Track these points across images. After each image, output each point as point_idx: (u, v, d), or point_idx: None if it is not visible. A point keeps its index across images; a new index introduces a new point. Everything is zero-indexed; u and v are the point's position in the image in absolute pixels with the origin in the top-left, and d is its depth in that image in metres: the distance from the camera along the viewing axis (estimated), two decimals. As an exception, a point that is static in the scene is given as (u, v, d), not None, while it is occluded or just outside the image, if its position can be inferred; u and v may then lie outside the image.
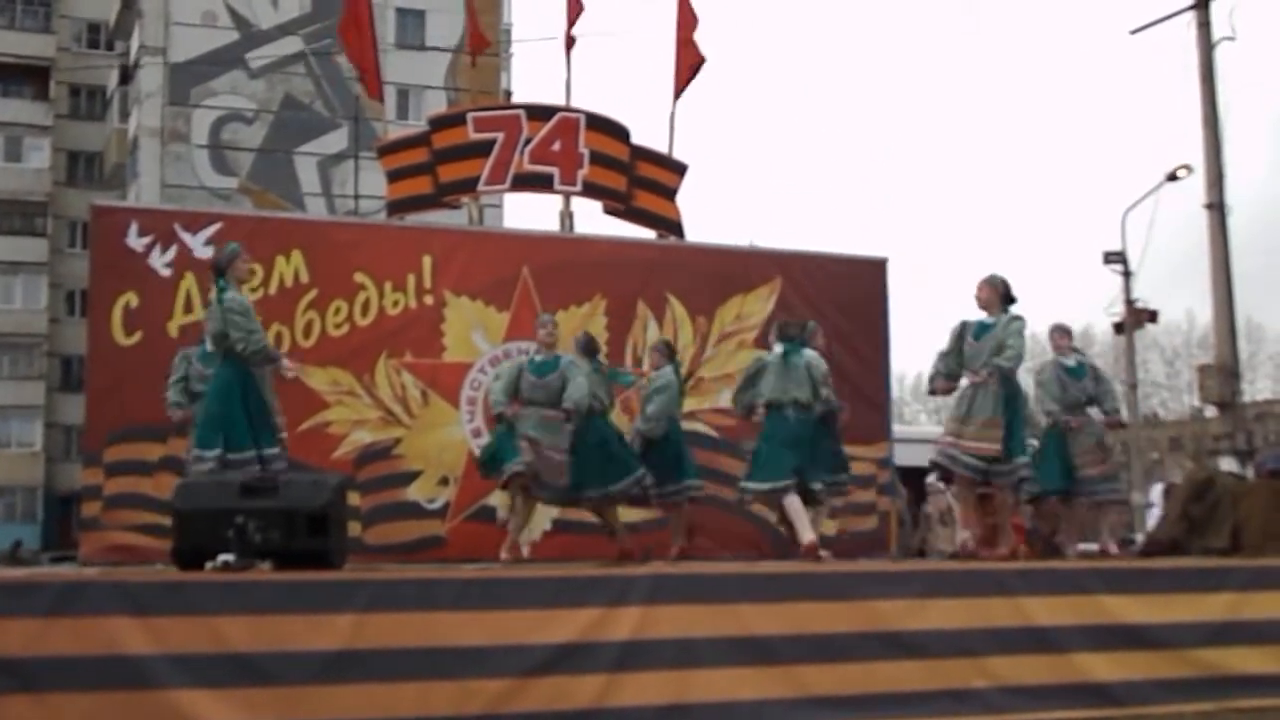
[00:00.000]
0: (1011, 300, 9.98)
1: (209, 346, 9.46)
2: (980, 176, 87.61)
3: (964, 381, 10.05)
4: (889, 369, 14.31)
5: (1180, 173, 27.85)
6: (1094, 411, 11.27)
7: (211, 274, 9.18)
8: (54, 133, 50.52)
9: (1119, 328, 32.00)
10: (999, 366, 9.68)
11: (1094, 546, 11.75)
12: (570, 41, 13.93)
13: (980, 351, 9.81)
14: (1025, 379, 11.09)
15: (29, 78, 50.85)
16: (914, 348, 78.85)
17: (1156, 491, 15.70)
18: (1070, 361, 11.30)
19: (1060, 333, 11.50)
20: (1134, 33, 24.42)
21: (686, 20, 14.15)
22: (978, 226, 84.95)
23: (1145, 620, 8.83)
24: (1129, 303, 30.97)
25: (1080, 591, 8.79)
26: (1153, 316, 31.80)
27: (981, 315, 10.07)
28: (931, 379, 10.47)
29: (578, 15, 14.10)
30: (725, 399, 12.96)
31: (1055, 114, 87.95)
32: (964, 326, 10.10)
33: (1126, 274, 31.15)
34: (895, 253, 14.33)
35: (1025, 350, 9.83)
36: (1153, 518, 16.77)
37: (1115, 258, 31.36)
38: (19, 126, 50.22)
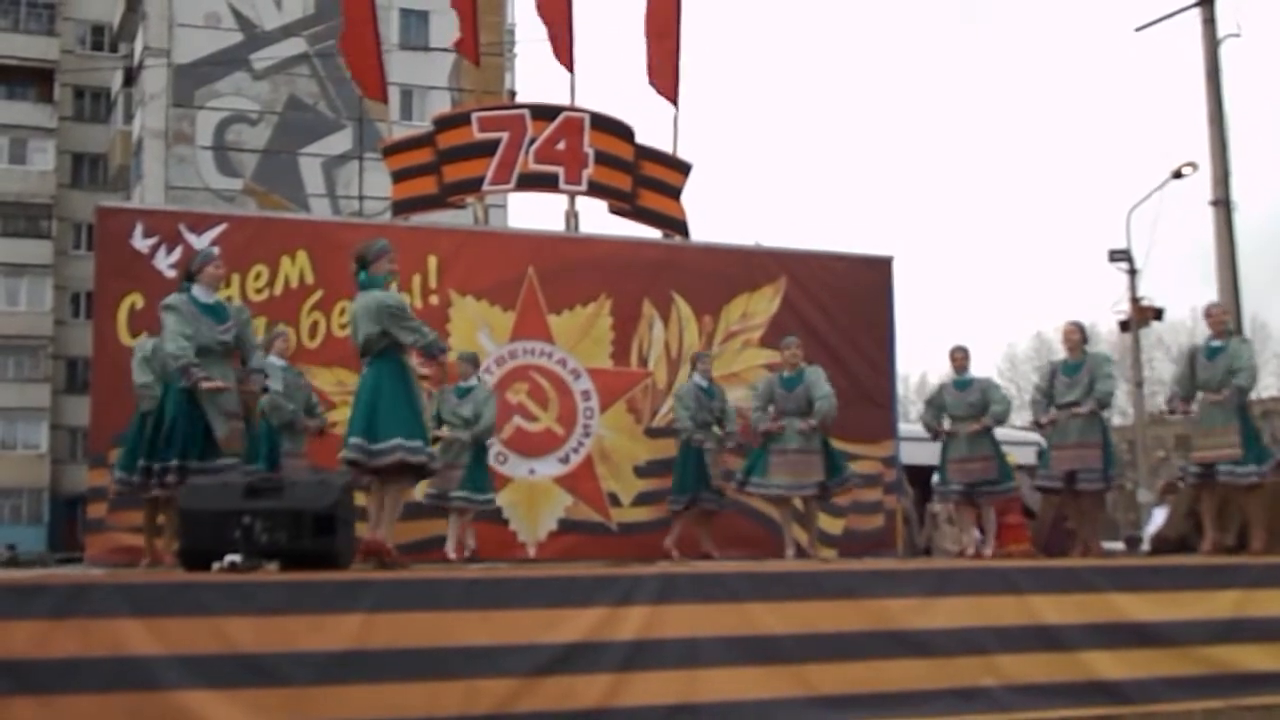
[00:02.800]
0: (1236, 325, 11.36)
1: (366, 332, 8.68)
2: (985, 174, 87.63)
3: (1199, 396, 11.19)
4: (894, 368, 14.30)
5: (1185, 170, 27.84)
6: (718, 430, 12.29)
7: (354, 266, 8.85)
8: (58, 135, 50.51)
9: (1124, 325, 31.98)
10: (1239, 386, 10.78)
11: (1117, 545, 11.99)
12: (570, 45, 13.78)
13: (1215, 371, 10.91)
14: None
15: (33, 80, 50.84)
16: (920, 347, 78.89)
17: (1160, 513, 15.73)
18: (704, 383, 12.14)
19: (702, 359, 12.36)
20: (1139, 30, 24.47)
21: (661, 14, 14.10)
22: (983, 224, 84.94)
23: (1153, 618, 8.81)
24: (1134, 300, 30.94)
25: (1088, 589, 8.77)
26: (1158, 314, 31.77)
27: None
28: (1169, 400, 11.59)
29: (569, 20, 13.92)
30: (731, 398, 12.97)
31: (1060, 112, 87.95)
32: (1194, 350, 11.39)
33: (1132, 272, 31.13)
34: (900, 251, 14.33)
35: (1258, 368, 11.10)
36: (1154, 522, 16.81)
37: (1120, 256, 31.33)
38: (23, 129, 50.21)
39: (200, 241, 11.74)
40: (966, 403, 11.81)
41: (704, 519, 12.05)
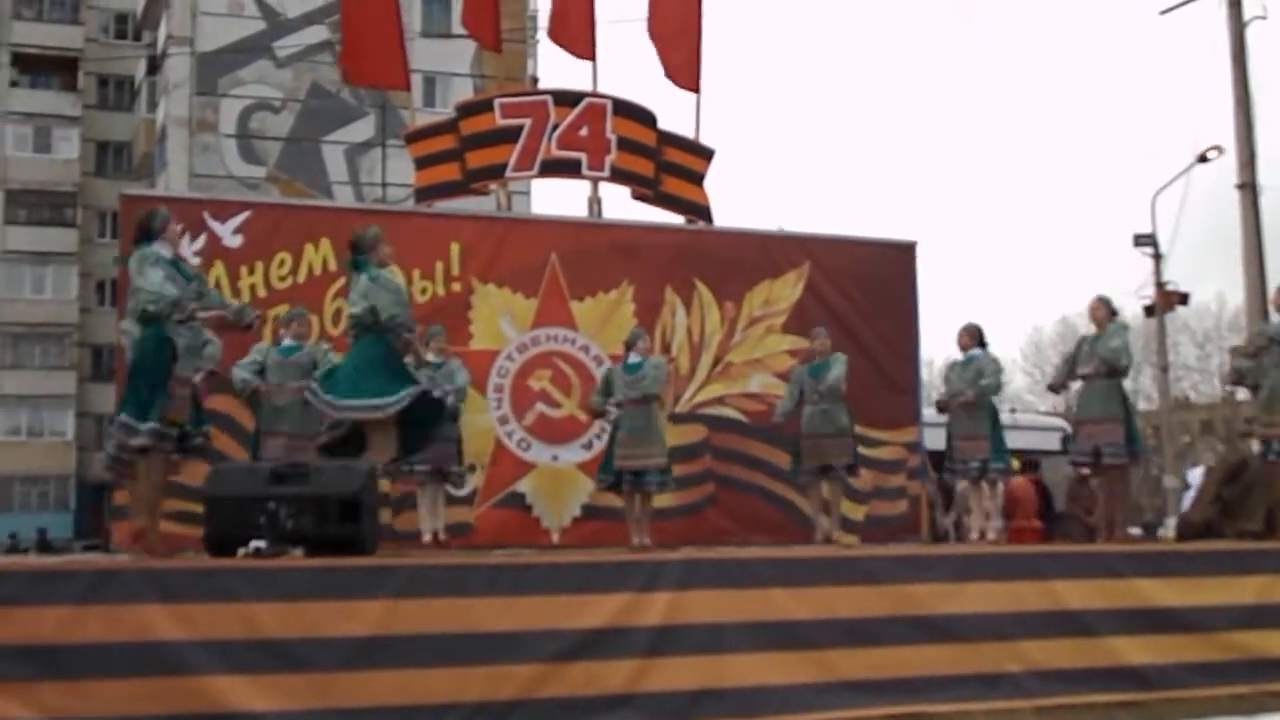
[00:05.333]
0: None
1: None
2: (1010, 159, 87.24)
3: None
4: (918, 353, 14.25)
5: (1211, 154, 27.69)
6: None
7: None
8: (82, 123, 50.68)
9: (1149, 310, 31.79)
10: None
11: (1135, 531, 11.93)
12: (592, 34, 13.73)
13: None
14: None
15: (57, 69, 51.00)
16: (944, 332, 78.54)
17: (1196, 474, 15.64)
18: (639, 360, 11.70)
19: (641, 338, 11.83)
20: (1164, 13, 24.26)
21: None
22: (1008, 209, 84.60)
23: (1178, 603, 8.80)
24: (1159, 285, 30.76)
25: (1113, 575, 8.76)
26: (1183, 299, 31.55)
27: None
28: (1235, 373, 11.65)
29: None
30: (754, 384, 13.01)
31: (1086, 95, 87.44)
32: (1265, 329, 11.47)
33: (1157, 256, 30.95)
34: (925, 236, 14.28)
35: None
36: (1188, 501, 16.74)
37: (1145, 240, 31.16)
38: (48, 117, 50.38)
39: (224, 229, 11.79)
40: (964, 379, 11.80)
41: (643, 501, 11.46)
